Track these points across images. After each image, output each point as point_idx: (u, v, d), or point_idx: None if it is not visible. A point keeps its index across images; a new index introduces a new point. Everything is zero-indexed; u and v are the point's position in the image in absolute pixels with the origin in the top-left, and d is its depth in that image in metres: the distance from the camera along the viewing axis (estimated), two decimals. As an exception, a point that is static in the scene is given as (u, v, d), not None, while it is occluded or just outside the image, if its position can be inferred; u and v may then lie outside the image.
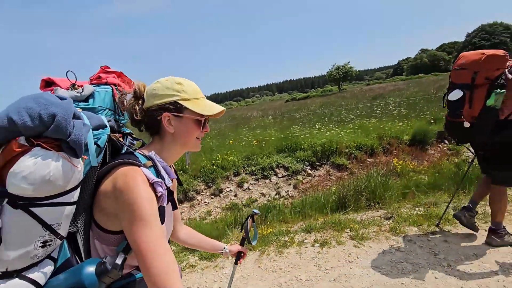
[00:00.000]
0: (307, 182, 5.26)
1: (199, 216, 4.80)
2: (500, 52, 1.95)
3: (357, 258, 2.48)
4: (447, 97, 2.16)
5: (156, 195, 0.71)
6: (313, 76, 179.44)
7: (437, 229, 2.74)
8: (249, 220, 1.30)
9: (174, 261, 0.67)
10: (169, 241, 0.91)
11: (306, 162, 5.47)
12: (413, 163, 5.17)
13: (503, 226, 2.34)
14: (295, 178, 5.27)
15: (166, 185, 0.75)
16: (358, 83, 72.29)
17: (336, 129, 6.26)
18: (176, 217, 1.05)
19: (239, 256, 1.29)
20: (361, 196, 3.99)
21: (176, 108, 0.79)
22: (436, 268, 2.19)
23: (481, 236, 2.51)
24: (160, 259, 0.64)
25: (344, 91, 33.89)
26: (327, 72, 35.81)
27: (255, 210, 1.32)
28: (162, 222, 0.74)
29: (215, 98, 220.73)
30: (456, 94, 2.06)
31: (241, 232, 1.26)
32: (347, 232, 2.96)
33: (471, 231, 2.56)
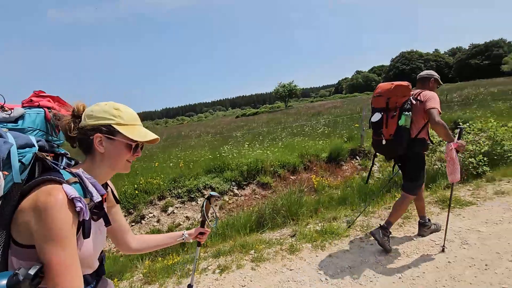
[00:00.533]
0: (233, 202, 5.31)
1: (115, 247, 4.44)
2: (405, 83, 2.41)
3: (251, 281, 2.55)
4: (370, 120, 2.54)
5: (75, 211, 0.74)
6: (265, 93, 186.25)
7: (327, 244, 3.00)
8: (206, 203, 1.32)
9: (81, 282, 0.73)
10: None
11: (233, 182, 5.55)
12: (329, 179, 5.64)
13: (426, 219, 2.81)
14: (221, 198, 5.28)
15: (93, 201, 0.79)
16: (304, 100, 77.21)
17: (263, 149, 6.53)
18: (124, 229, 1.12)
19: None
20: (277, 214, 4.16)
21: (109, 131, 0.85)
22: (315, 284, 2.38)
23: (359, 249, 2.82)
24: (67, 280, 0.70)
25: (290, 108, 35.90)
26: (274, 90, 37.69)
27: (213, 193, 1.34)
28: (88, 236, 0.78)
29: (167, 112, 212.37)
30: (376, 117, 2.45)
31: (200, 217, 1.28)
32: (251, 254, 3.03)
33: (354, 245, 2.87)
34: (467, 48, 65.67)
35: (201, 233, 1.31)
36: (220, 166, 5.75)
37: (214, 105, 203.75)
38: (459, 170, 2.40)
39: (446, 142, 2.39)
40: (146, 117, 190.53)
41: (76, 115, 0.88)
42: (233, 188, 5.50)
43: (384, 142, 2.42)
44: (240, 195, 5.44)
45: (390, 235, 2.65)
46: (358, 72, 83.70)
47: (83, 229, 0.76)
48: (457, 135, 2.53)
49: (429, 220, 2.86)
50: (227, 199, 5.29)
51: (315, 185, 5.33)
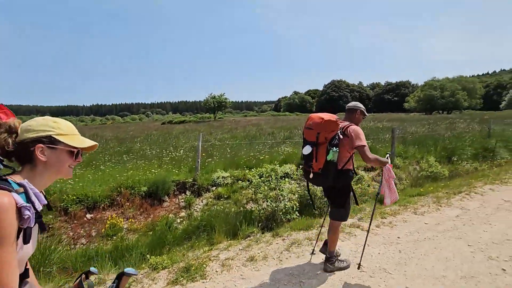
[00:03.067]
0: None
1: None
2: (334, 117, 2.41)
3: None
4: (302, 152, 2.54)
5: (24, 218, 0.81)
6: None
7: None
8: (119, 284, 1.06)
9: (17, 280, 0.80)
10: None
11: None
12: (136, 220, 4.64)
13: (335, 253, 2.77)
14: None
15: (35, 209, 0.85)
16: (240, 113, 78.07)
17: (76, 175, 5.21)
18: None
19: None
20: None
21: (50, 141, 0.91)
22: None
23: None
24: (4, 275, 0.76)
25: (219, 120, 35.07)
26: (204, 100, 36.48)
27: (128, 269, 1.06)
28: (28, 242, 0.86)
29: (97, 109, 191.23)
30: (307, 150, 2.46)
31: None
32: None
33: None
34: (383, 84, 76.30)
35: None
36: None
37: (153, 107, 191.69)
38: (394, 192, 2.63)
39: (382, 168, 2.63)
40: (69, 112, 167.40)
41: (12, 131, 0.91)
42: None
43: (311, 175, 2.50)
44: None
45: (339, 256, 2.82)
46: (295, 92, 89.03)
47: (24, 235, 0.84)
48: (389, 159, 2.68)
49: (338, 255, 2.86)
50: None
51: (106, 228, 4.25)
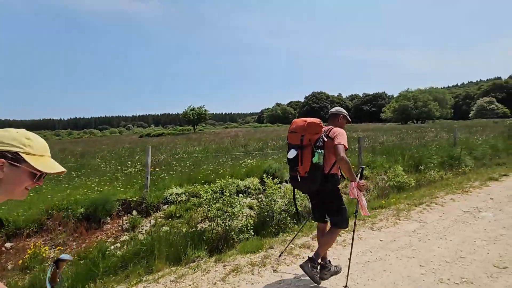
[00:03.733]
0: None
1: None
2: (317, 120, 2.43)
3: None
4: (287, 156, 2.48)
5: None
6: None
7: None
8: (53, 269, 1.04)
9: None
10: None
11: None
12: (62, 248, 4.07)
13: (326, 261, 2.67)
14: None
15: None
16: (223, 124, 77.67)
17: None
18: None
19: None
20: None
21: (15, 158, 0.84)
22: None
23: None
24: None
25: (200, 132, 34.44)
26: (182, 113, 35.80)
27: (64, 255, 1.07)
28: None
29: (75, 123, 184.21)
30: (292, 153, 2.44)
31: None
32: None
33: None
34: (361, 95, 78.91)
35: None
36: None
37: (134, 120, 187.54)
38: (365, 206, 2.53)
39: (349, 181, 2.46)
40: (44, 126, 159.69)
41: None
42: None
43: (299, 179, 2.41)
44: None
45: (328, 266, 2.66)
46: (277, 104, 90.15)
47: None
48: (359, 174, 2.65)
49: (329, 261, 2.73)
50: None
51: (25, 259, 3.66)
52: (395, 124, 39.06)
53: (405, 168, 7.67)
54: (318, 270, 2.56)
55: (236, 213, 4.18)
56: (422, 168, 7.58)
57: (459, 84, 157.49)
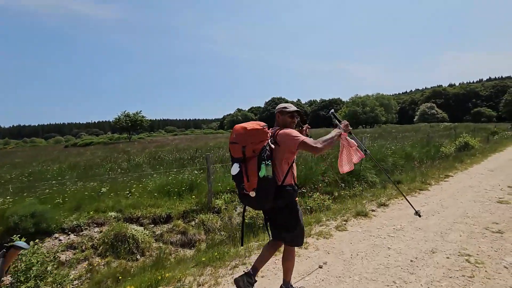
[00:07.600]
0: None
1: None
2: (259, 125, 2.01)
3: None
4: (231, 172, 2.15)
5: None
6: (154, 119, 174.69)
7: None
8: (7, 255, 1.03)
9: None
10: None
11: None
12: None
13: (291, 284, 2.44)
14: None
15: None
16: (171, 133, 74.56)
17: None
18: None
19: None
20: None
21: None
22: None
23: None
24: None
25: (134, 141, 31.06)
26: (114, 119, 32.62)
27: (19, 242, 1.03)
28: None
29: (19, 131, 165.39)
30: (234, 169, 2.06)
31: None
32: None
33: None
34: (318, 101, 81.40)
35: None
36: None
37: (89, 127, 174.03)
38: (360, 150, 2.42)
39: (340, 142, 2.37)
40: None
41: None
42: None
43: (252, 194, 1.99)
44: None
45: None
46: (238, 109, 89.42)
47: None
48: (335, 122, 2.39)
49: (291, 285, 2.43)
50: None
51: None
52: (344, 129, 40.01)
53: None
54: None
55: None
56: (305, 191, 6.30)
57: (407, 91, 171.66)
